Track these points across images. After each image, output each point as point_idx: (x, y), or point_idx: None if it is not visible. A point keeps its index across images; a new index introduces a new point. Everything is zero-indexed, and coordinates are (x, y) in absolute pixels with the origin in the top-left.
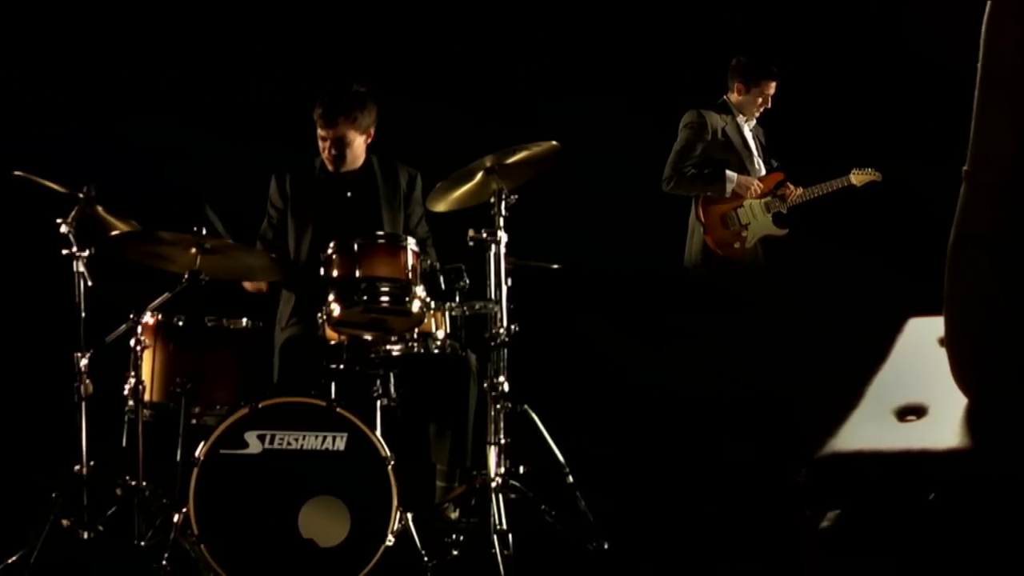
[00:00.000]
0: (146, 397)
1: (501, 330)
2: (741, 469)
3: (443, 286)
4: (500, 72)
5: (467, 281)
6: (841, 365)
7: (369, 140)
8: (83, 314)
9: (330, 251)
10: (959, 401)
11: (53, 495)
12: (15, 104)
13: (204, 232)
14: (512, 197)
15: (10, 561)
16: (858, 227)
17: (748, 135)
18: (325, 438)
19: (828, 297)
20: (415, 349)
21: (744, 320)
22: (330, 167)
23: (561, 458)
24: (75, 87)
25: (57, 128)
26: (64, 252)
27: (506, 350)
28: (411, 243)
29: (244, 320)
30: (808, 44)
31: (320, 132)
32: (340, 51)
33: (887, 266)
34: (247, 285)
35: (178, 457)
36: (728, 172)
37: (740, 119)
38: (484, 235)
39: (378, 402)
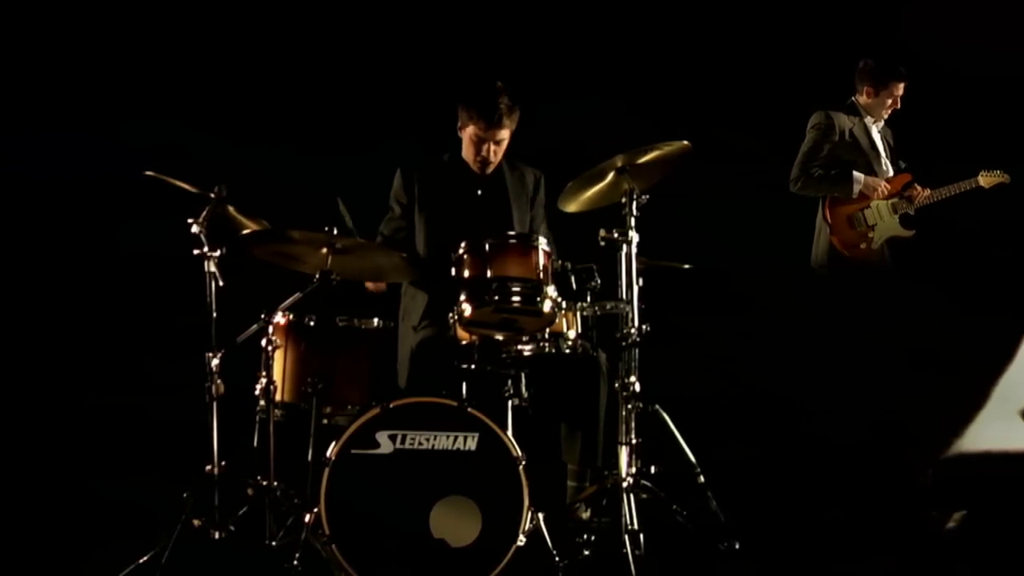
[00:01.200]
0: (277, 397)
1: (632, 330)
2: (868, 470)
3: (574, 286)
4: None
5: (598, 281)
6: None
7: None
8: (214, 314)
9: (461, 251)
10: None
11: (185, 495)
12: (148, 104)
13: (335, 229)
14: (643, 197)
15: (142, 561)
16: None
17: (876, 136)
18: (456, 438)
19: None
20: (546, 349)
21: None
22: (477, 168)
23: (692, 458)
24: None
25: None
26: (195, 252)
27: (637, 350)
28: (542, 243)
29: (375, 320)
30: (938, 45)
31: (478, 133)
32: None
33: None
34: (368, 284)
35: (309, 457)
36: (855, 173)
37: (868, 120)
38: (615, 235)
39: (509, 402)
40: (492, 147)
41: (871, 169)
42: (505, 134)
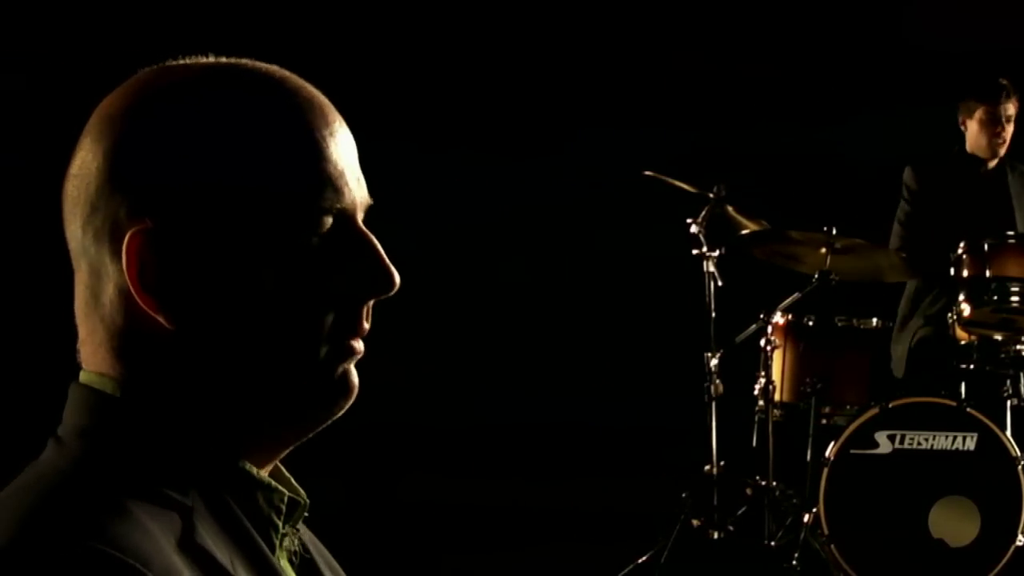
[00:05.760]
0: (776, 397)
1: None
2: None
3: None
4: None
5: None
6: None
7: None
8: (713, 314)
9: (960, 251)
10: None
11: (683, 495)
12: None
13: (835, 231)
14: None
15: (640, 560)
16: None
17: None
18: (955, 438)
19: None
20: None
21: None
22: (989, 153)
23: None
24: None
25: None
26: (694, 252)
27: None
28: None
29: (874, 320)
30: None
31: (987, 113)
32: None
33: None
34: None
35: (808, 457)
36: None
37: None
38: None
39: (1008, 402)
40: (1005, 125)
41: None
42: (1012, 110)
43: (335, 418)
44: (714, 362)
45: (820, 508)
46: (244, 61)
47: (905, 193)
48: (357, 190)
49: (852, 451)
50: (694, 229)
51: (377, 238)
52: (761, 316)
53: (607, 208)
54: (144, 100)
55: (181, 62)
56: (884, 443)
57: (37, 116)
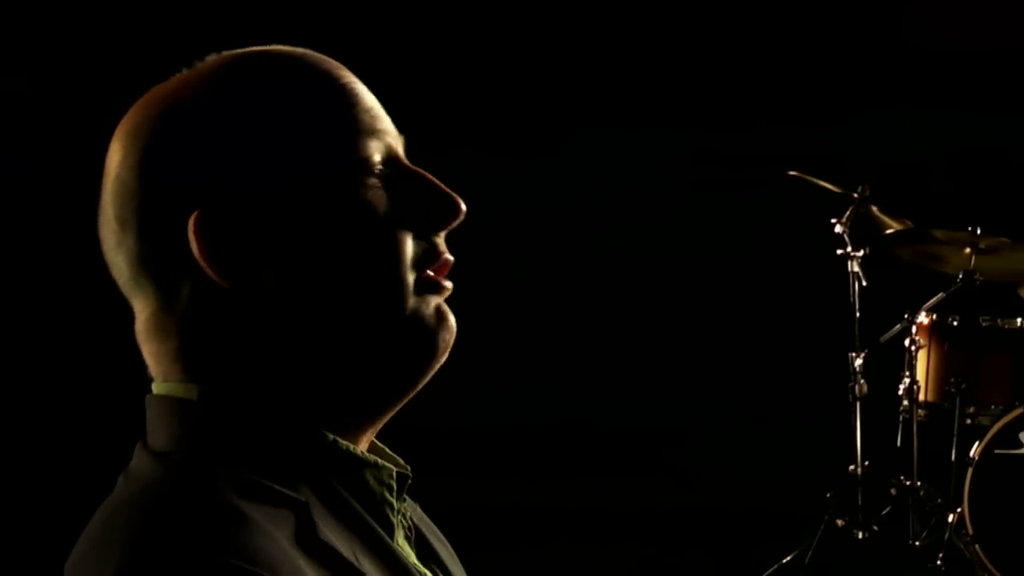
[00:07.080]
0: (920, 397)
1: None
2: None
3: None
4: None
5: None
6: None
7: None
8: (857, 314)
9: None
10: None
11: (828, 495)
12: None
13: (979, 231)
14: None
15: (785, 561)
16: None
17: None
18: None
19: None
20: None
21: None
22: None
23: None
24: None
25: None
26: (839, 252)
27: None
28: None
29: (1019, 320)
30: None
31: None
32: None
33: None
34: None
35: (952, 457)
36: None
37: None
38: None
39: None
40: None
41: None
42: None
43: (442, 358)
44: (859, 362)
45: (965, 508)
46: (239, 52)
47: None
48: (393, 129)
49: (997, 451)
50: (838, 229)
51: None
52: (905, 316)
53: (608, 208)
54: (162, 112)
55: (176, 75)
56: None
57: (37, 116)
